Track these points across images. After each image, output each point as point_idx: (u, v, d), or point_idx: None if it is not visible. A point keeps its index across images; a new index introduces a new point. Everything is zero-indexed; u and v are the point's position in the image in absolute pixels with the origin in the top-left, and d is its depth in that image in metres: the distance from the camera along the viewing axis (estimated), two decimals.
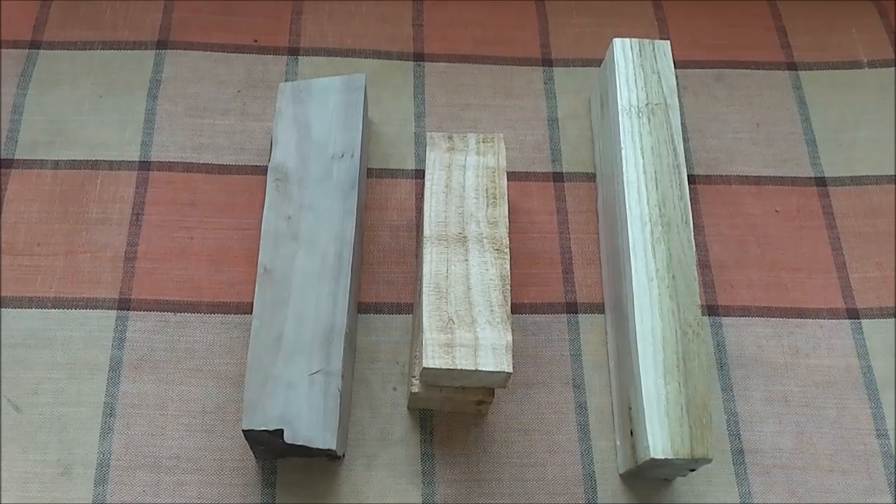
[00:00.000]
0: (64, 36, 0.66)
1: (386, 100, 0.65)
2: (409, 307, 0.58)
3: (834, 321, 0.59)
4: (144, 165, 0.61)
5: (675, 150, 0.55)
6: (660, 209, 0.53)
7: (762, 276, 0.60)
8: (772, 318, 0.59)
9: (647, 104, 0.57)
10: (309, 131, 0.57)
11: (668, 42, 0.60)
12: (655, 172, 0.54)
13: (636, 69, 0.58)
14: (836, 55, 0.70)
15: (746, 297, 0.59)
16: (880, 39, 0.71)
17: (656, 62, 0.59)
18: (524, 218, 0.61)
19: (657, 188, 0.54)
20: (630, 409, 0.51)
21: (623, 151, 0.55)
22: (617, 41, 0.60)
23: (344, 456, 0.53)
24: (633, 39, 0.60)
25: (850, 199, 0.64)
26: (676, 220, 0.53)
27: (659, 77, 0.58)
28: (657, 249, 0.52)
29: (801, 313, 0.59)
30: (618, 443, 0.54)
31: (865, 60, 0.70)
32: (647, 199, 0.54)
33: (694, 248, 0.52)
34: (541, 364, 0.57)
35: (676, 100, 0.57)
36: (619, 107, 0.57)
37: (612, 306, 0.56)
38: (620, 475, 0.53)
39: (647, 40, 0.60)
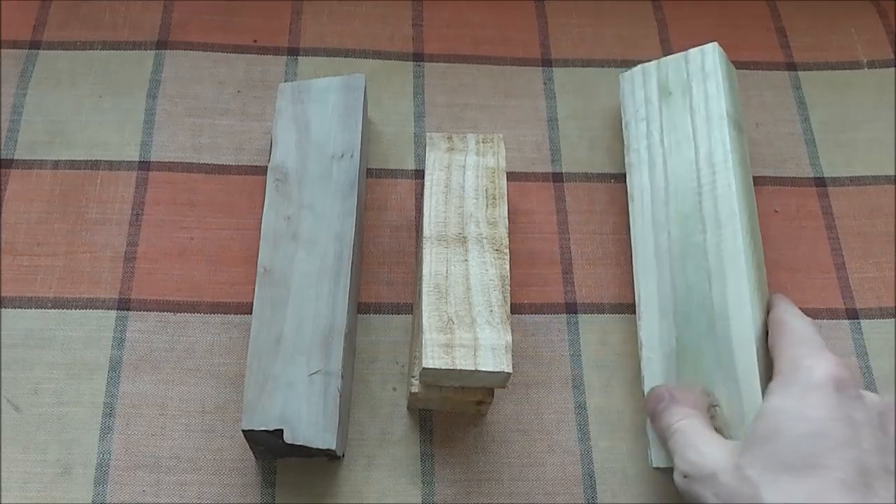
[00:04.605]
0: (64, 36, 0.66)
1: (385, 100, 0.65)
2: (409, 307, 0.58)
3: (833, 321, 0.59)
4: (144, 165, 0.61)
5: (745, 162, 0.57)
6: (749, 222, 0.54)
7: None
8: None
9: (734, 117, 0.58)
10: (308, 131, 0.57)
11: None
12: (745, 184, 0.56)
13: (724, 79, 0.58)
14: (836, 55, 0.70)
15: None
16: (880, 39, 0.71)
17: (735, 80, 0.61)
18: (524, 218, 0.61)
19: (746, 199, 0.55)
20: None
21: (728, 161, 0.55)
22: (714, 47, 0.59)
23: (343, 456, 0.53)
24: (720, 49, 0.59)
25: (849, 200, 0.64)
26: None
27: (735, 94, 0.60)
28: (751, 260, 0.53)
29: None
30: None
31: (865, 60, 0.70)
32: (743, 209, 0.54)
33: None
34: (541, 364, 0.57)
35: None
36: (718, 114, 0.56)
37: (667, 308, 0.54)
38: (654, 469, 0.51)
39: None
